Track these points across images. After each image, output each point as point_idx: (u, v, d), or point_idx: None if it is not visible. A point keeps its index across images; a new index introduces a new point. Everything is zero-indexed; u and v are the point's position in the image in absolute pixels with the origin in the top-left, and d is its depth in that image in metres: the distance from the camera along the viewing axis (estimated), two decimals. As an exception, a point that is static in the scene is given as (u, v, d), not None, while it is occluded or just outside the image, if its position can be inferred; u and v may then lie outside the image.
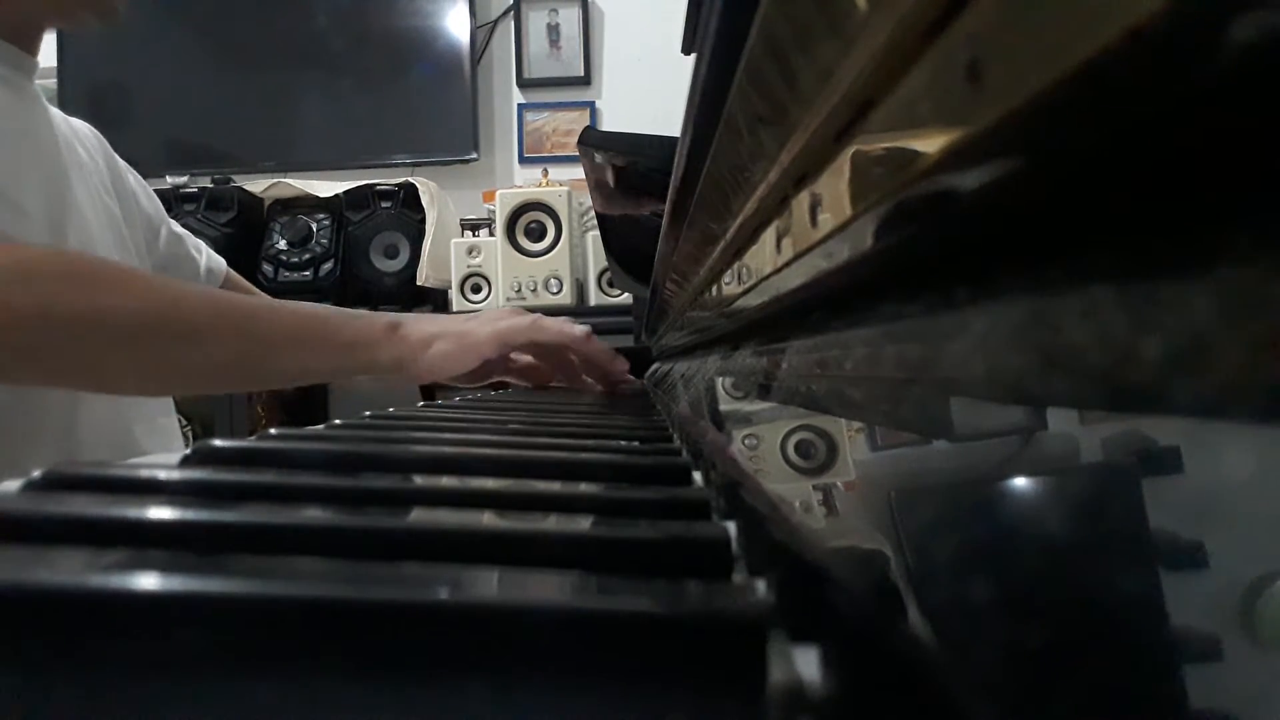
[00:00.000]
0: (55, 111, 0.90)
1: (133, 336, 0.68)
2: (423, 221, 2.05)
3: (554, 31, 2.36)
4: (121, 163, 1.00)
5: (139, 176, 1.02)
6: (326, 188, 2.10)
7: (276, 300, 0.89)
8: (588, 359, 0.86)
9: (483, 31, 2.32)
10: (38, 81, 0.88)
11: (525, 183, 2.21)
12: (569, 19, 2.35)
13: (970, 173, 0.13)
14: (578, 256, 2.00)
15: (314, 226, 2.07)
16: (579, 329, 0.85)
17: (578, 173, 1.45)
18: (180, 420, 1.06)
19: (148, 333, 0.68)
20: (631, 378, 0.92)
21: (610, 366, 0.87)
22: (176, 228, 1.05)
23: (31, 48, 0.85)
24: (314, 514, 0.20)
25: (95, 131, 0.98)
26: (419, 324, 0.80)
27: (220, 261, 1.09)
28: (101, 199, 0.91)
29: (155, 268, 0.98)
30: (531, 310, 0.88)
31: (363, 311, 0.83)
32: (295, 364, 0.77)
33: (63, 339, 0.65)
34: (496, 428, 0.44)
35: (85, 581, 0.13)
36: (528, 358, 0.89)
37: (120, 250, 0.91)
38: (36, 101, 0.85)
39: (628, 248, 1.11)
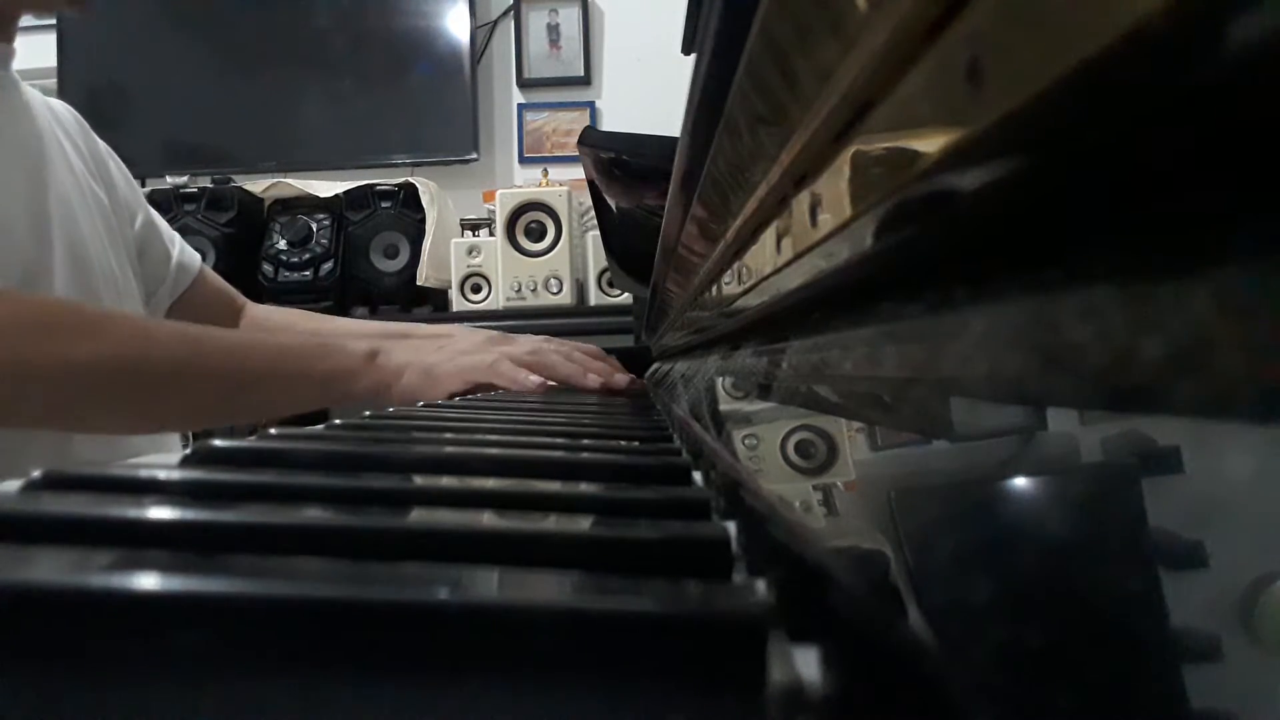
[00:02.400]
0: (34, 95, 0.89)
1: (108, 384, 0.68)
2: (423, 221, 2.04)
3: (554, 31, 2.36)
4: (103, 146, 0.99)
5: (118, 160, 1.01)
6: (326, 188, 2.10)
7: (253, 336, 0.89)
8: (564, 382, 0.83)
9: (483, 31, 2.32)
10: (40, 82, 0.88)
11: (525, 183, 2.21)
12: (569, 19, 2.35)
13: (970, 173, 0.13)
14: (578, 256, 2.00)
15: (314, 226, 2.07)
16: (551, 358, 0.82)
17: (578, 173, 1.45)
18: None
19: (124, 379, 0.69)
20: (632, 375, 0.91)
21: (585, 382, 0.84)
22: (154, 217, 1.03)
23: (5, 34, 0.84)
24: (314, 514, 0.20)
25: (75, 114, 0.97)
26: (395, 353, 0.82)
27: (194, 256, 1.07)
28: (86, 183, 0.90)
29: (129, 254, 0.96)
30: (531, 310, 0.88)
31: (339, 344, 0.84)
32: (272, 400, 0.79)
33: (37, 390, 0.66)
34: (496, 428, 0.44)
35: (85, 581, 0.13)
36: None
37: (108, 234, 0.91)
38: (15, 88, 0.85)
39: (628, 248, 1.11)
